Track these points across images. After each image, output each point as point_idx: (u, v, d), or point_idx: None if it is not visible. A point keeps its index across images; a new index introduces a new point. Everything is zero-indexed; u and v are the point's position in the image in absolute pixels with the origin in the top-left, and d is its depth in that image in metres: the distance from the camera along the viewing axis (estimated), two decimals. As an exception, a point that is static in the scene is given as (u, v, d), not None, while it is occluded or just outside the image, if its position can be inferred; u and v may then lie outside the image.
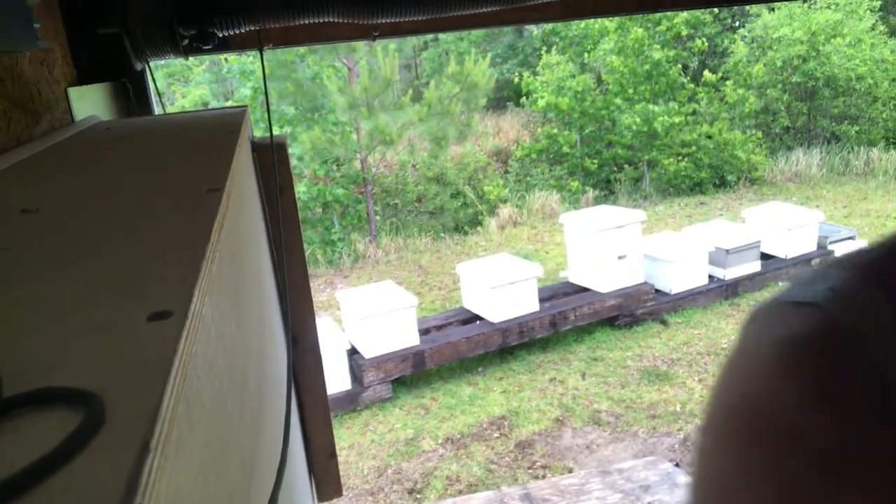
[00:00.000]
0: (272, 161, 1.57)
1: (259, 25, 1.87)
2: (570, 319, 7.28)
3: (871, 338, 0.59)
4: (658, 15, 12.99)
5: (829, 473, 0.63)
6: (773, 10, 14.25)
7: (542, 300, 7.34)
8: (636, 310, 7.49)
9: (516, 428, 5.86)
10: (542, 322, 7.13)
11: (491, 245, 11.29)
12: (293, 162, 8.39)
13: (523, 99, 14.76)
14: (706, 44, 14.23)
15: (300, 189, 11.26)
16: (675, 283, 7.65)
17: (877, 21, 14.19)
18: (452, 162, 13.69)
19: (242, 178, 1.08)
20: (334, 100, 11.44)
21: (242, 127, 1.26)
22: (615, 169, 14.05)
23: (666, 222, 11.36)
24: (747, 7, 14.20)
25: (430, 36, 15.40)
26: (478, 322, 7.20)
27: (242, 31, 1.87)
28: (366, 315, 6.52)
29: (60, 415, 0.34)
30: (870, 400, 0.61)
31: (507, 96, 16.75)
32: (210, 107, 12.62)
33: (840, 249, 8.14)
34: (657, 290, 7.64)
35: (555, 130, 14.11)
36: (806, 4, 13.97)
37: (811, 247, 8.32)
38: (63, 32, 1.71)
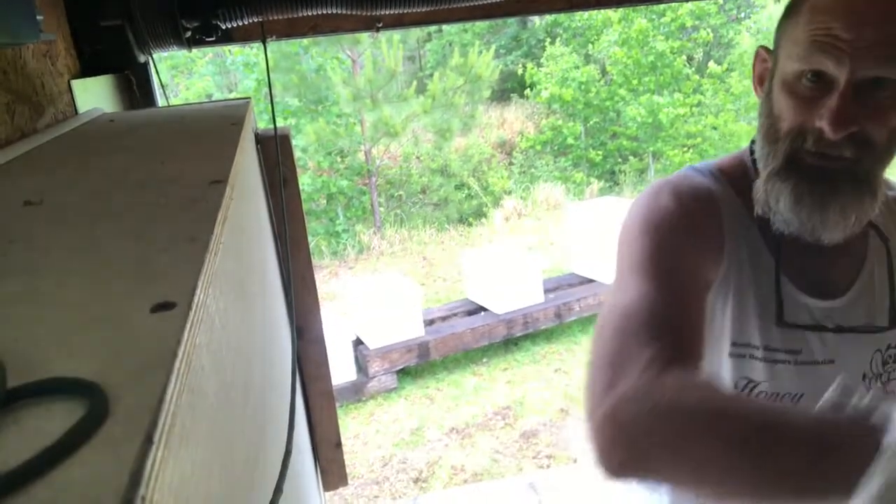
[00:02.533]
0: (276, 153, 1.57)
1: (262, 17, 1.86)
2: (575, 310, 7.28)
3: (696, 185, 1.07)
4: (662, 6, 12.92)
5: (624, 251, 1.02)
6: (778, 0, 14.16)
7: (546, 291, 7.34)
8: (641, 301, 7.47)
9: (521, 418, 5.87)
10: (546, 313, 7.13)
11: (495, 236, 11.28)
12: (297, 154, 8.38)
13: (527, 90, 14.71)
14: (711, 35, 14.15)
15: (304, 181, 11.27)
16: (679, 274, 7.62)
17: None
18: (457, 153, 13.67)
19: (246, 170, 1.08)
20: (338, 91, 11.42)
21: (246, 119, 1.26)
22: (620, 160, 14.01)
23: (671, 213, 11.31)
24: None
25: (433, 27, 15.35)
26: (482, 313, 7.20)
27: (245, 22, 1.86)
28: (371, 306, 6.53)
29: (64, 406, 0.34)
30: (663, 219, 1.01)
31: (511, 88, 16.70)
32: (213, 99, 12.61)
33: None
34: (662, 282, 7.62)
35: (559, 122, 14.06)
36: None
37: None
38: (66, 24, 1.71)
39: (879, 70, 0.86)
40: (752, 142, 1.08)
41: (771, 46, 1.02)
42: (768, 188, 0.98)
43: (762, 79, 1.03)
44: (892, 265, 1.08)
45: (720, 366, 1.09)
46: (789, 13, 0.96)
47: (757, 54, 1.05)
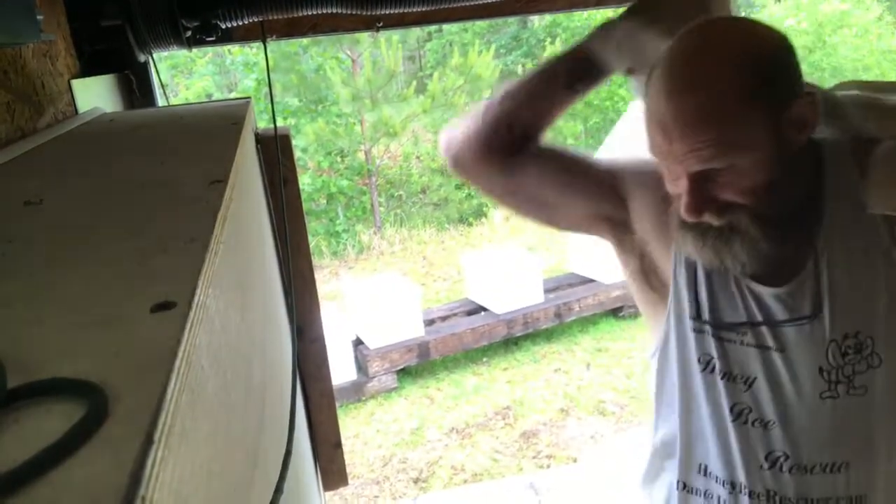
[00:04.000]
0: (276, 153, 1.57)
1: (262, 17, 1.86)
2: (575, 310, 7.27)
3: None
4: (663, 5, 12.89)
5: None
6: (779, 1, 14.15)
7: (546, 291, 7.34)
8: (641, 301, 7.47)
9: (521, 418, 5.87)
10: (546, 313, 7.13)
11: (496, 236, 11.28)
12: (297, 154, 8.37)
13: (528, 90, 14.68)
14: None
15: (304, 181, 11.26)
16: (679, 273, 7.62)
17: (884, 11, 14.09)
18: (457, 153, 13.63)
19: (246, 170, 1.08)
20: (338, 91, 11.41)
21: (246, 118, 1.26)
22: (620, 160, 13.99)
23: (671, 213, 11.30)
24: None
25: (434, 27, 15.34)
26: (482, 313, 7.20)
27: (245, 22, 1.86)
28: (371, 306, 6.53)
29: (64, 406, 0.34)
30: None
31: (511, 87, 16.66)
32: (213, 98, 12.61)
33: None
34: (662, 281, 7.62)
35: (559, 122, 14.05)
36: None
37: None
38: (66, 24, 1.71)
39: (705, 166, 0.95)
40: None
41: None
42: (677, 235, 1.07)
43: None
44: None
45: (687, 341, 1.14)
46: (646, 92, 1.02)
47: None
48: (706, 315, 1.11)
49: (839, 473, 1.07)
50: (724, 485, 1.14)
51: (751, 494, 1.11)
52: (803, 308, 1.05)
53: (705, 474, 1.16)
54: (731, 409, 1.10)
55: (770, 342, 1.07)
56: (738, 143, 0.94)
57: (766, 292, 1.07)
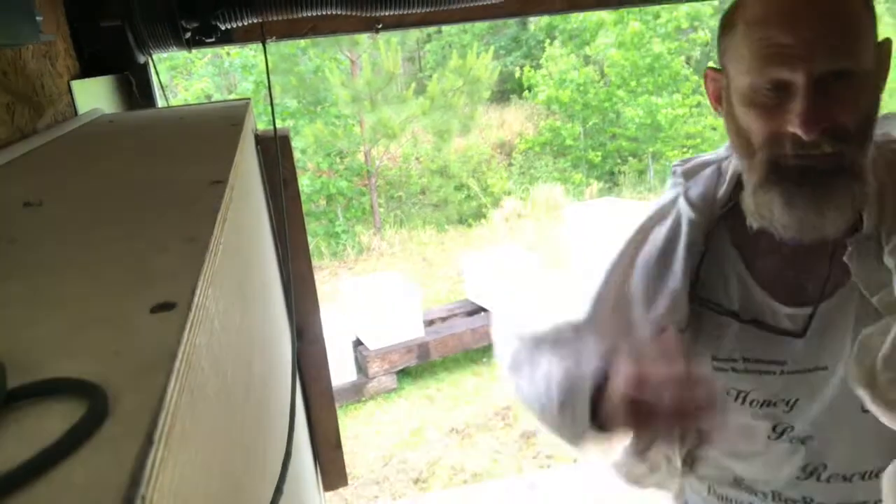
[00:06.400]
0: (276, 154, 1.57)
1: (261, 18, 1.86)
2: (575, 311, 7.27)
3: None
4: (657, 8, 12.91)
5: None
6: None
7: (546, 292, 7.34)
8: (640, 301, 7.48)
9: (521, 418, 5.87)
10: (546, 314, 7.12)
11: (495, 237, 11.28)
12: (296, 155, 8.35)
13: (526, 92, 14.70)
14: (709, 35, 14.14)
15: (303, 182, 11.26)
16: (679, 274, 7.62)
17: (884, 12, 14.10)
18: (456, 154, 13.66)
19: (246, 171, 1.08)
20: (337, 93, 11.43)
21: (246, 119, 1.26)
22: (619, 161, 14.00)
23: (670, 214, 11.29)
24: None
25: (433, 28, 15.35)
26: (482, 313, 7.20)
27: (245, 23, 1.86)
28: (371, 306, 6.53)
29: (64, 406, 0.34)
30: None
31: (510, 89, 16.69)
32: (213, 100, 12.61)
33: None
34: (661, 282, 7.62)
35: (558, 123, 14.05)
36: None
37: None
38: (65, 25, 1.71)
39: (831, 64, 0.87)
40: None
41: (717, 65, 1.03)
42: (757, 201, 0.97)
43: (718, 98, 1.03)
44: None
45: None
46: (724, 30, 0.97)
47: (706, 75, 1.05)
48: (736, 353, 1.06)
49: (878, 480, 1.02)
50: (757, 494, 1.11)
51: (786, 501, 1.09)
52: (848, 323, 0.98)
53: (738, 485, 1.14)
54: (774, 429, 1.07)
55: (811, 363, 1.02)
56: (863, 46, 0.89)
57: (790, 312, 1.02)
